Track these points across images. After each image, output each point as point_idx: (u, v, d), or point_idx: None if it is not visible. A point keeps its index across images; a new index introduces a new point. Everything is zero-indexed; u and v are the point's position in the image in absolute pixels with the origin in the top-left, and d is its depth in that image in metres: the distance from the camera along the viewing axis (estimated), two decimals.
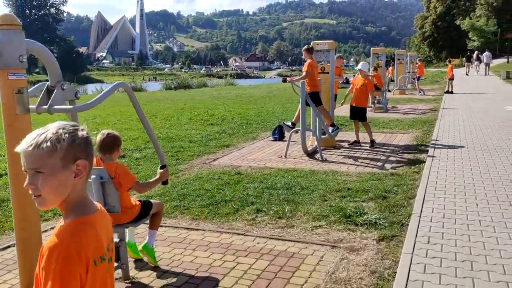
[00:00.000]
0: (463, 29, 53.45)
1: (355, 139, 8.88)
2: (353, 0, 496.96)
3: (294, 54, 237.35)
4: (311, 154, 7.92)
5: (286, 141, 9.39)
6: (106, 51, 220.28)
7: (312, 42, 8.72)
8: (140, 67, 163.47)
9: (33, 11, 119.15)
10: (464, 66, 37.06)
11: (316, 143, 8.34)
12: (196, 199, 5.42)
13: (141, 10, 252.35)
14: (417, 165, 6.77)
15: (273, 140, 9.53)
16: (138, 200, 3.56)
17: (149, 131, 3.42)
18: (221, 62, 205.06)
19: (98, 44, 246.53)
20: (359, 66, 9.09)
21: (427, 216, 4.36)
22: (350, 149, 8.41)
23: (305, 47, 8.23)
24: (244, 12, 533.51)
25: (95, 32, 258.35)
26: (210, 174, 6.65)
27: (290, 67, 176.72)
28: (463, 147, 7.94)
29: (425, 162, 6.90)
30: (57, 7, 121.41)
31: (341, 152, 8.17)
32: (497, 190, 5.21)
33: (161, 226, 4.55)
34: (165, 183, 3.66)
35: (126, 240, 3.58)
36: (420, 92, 20.14)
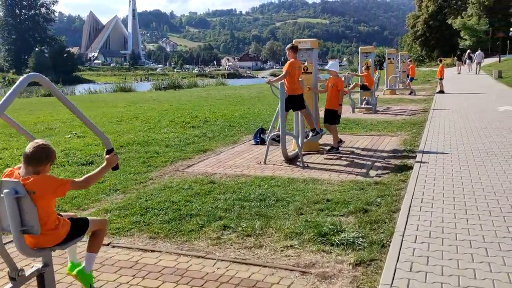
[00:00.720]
0: (455, 28, 53.28)
1: (338, 139, 8.39)
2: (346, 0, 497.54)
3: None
4: (292, 160, 7.43)
5: (274, 144, 8.92)
6: (98, 51, 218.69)
7: (294, 40, 8.23)
8: (132, 67, 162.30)
9: (23, 10, 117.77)
10: (455, 65, 37.04)
11: (297, 148, 7.86)
12: (159, 213, 4.91)
13: (133, 10, 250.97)
14: (403, 172, 6.29)
15: (254, 144, 9.04)
16: (69, 218, 3.03)
17: (81, 116, 3.08)
18: (214, 62, 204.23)
19: (90, 44, 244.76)
20: (328, 66, 8.46)
21: (411, 235, 3.87)
22: (334, 154, 7.92)
23: (289, 45, 7.73)
24: (237, 12, 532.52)
25: (87, 32, 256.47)
26: (180, 183, 6.14)
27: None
28: (453, 151, 7.48)
29: (412, 168, 6.43)
30: (48, 7, 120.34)
31: (324, 157, 7.68)
32: (489, 203, 4.73)
33: (114, 246, 4.04)
34: (115, 168, 3.22)
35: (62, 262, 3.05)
36: (411, 92, 19.75)
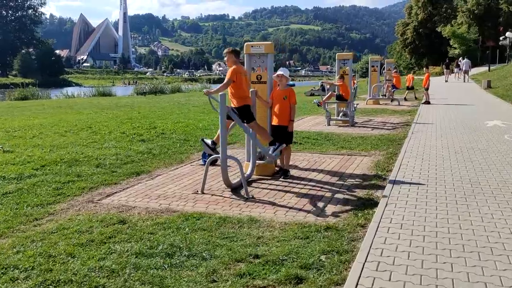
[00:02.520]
0: (444, 36, 52.47)
1: (282, 166, 7.05)
2: (338, 7, 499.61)
3: (278, 60, 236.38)
4: (237, 188, 6.10)
5: (218, 165, 7.62)
6: (87, 54, 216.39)
7: (246, 43, 6.93)
8: (121, 70, 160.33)
9: (10, 12, 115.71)
10: (443, 73, 36.51)
11: (250, 170, 6.54)
12: (19, 276, 3.56)
13: (124, 13, 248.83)
14: (365, 211, 5.00)
15: (202, 165, 7.70)
16: None
17: None
18: (205, 66, 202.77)
19: (80, 47, 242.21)
20: (279, 72, 6.76)
21: None
22: (290, 181, 6.61)
23: (228, 48, 6.43)
24: (230, 17, 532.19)
25: (77, 34, 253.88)
26: (82, 222, 4.79)
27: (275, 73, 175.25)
28: (430, 182, 6.19)
29: (377, 206, 5.13)
30: (35, 8, 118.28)
31: (277, 185, 6.36)
32: (470, 273, 3.42)
33: None
34: None
35: None
36: (393, 100, 18.68)
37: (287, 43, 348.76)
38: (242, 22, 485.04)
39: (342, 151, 8.85)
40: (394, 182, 6.06)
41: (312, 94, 27.84)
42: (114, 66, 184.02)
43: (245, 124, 6.38)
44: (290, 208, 5.28)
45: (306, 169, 7.32)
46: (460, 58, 37.04)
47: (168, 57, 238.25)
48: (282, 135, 6.76)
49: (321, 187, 6.19)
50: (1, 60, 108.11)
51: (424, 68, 19.86)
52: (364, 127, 12.24)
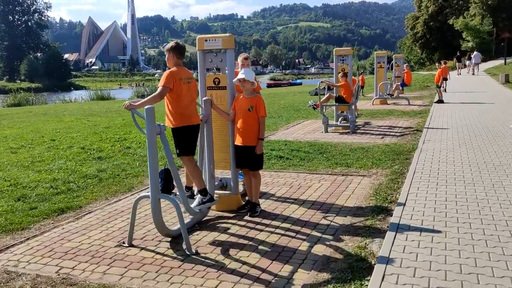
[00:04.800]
0: (456, 29, 50.13)
1: (250, 199, 5.32)
2: (347, 3, 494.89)
3: (288, 58, 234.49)
4: (179, 236, 4.41)
5: (175, 193, 5.98)
6: (95, 56, 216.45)
7: (198, 36, 5.23)
8: (130, 72, 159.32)
9: (17, 16, 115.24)
10: (456, 68, 34.85)
11: (179, 220, 4.86)
12: None
13: (132, 15, 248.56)
14: (352, 285, 3.28)
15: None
16: None
17: None
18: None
19: (89, 50, 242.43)
20: (240, 76, 5.00)
21: None
22: (258, 220, 4.90)
23: (170, 44, 4.73)
24: (239, 17, 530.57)
25: (85, 38, 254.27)
26: None
27: (284, 71, 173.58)
28: (449, 225, 4.44)
29: (370, 275, 3.41)
30: (41, 12, 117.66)
31: (238, 228, 4.66)
32: None
33: None
34: None
35: None
36: (391, 95, 16.98)
37: (296, 41, 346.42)
38: (251, 21, 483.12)
39: (337, 169, 7.11)
40: (397, 226, 4.30)
41: (316, 93, 26.03)
42: (123, 69, 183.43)
43: (177, 153, 4.73)
44: (243, 275, 3.58)
45: (284, 199, 5.61)
46: (470, 52, 35.22)
47: None
48: (249, 159, 5.06)
49: (297, 232, 4.47)
50: (9, 65, 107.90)
51: (437, 63, 17.95)
52: (367, 133, 10.46)
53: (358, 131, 10.91)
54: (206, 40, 5.14)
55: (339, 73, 11.34)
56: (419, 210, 4.72)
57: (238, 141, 5.07)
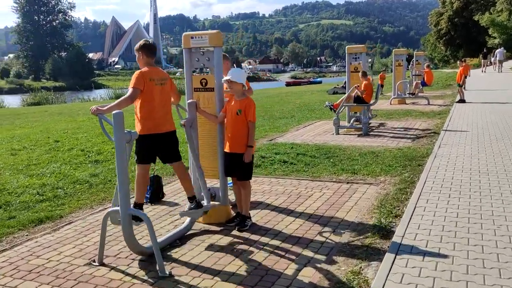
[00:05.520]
0: (482, 25, 48.55)
1: (241, 212, 4.84)
2: (371, 0, 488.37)
3: (309, 56, 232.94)
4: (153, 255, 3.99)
5: (164, 203, 5.68)
6: (118, 56, 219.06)
7: (184, 33, 4.80)
8: None
9: (41, 16, 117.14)
10: (481, 65, 33.73)
11: (187, 222, 4.46)
12: None
13: (155, 15, 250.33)
14: None
15: (144, 202, 5.64)
16: None
17: None
18: (234, 65, 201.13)
19: (112, 49, 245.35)
20: (228, 77, 4.53)
21: None
22: (246, 236, 4.45)
23: (140, 43, 4.33)
24: (260, 15, 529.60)
25: (109, 37, 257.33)
26: None
27: (305, 69, 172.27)
28: (457, 249, 3.91)
29: None
30: (65, 13, 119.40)
31: (223, 245, 4.22)
32: None
33: None
34: None
35: None
36: (412, 94, 16.28)
37: (318, 39, 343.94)
38: (273, 20, 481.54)
39: (342, 175, 6.60)
40: (398, 247, 3.78)
41: (335, 92, 25.34)
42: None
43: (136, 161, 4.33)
44: None
45: (280, 211, 5.14)
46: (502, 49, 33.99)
47: None
48: (237, 168, 4.61)
49: (287, 251, 4.00)
50: (34, 64, 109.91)
51: (458, 61, 17.13)
52: (380, 135, 9.89)
53: (371, 133, 10.34)
54: (192, 37, 4.71)
55: (351, 72, 10.79)
56: (425, 228, 4.18)
57: (226, 148, 4.64)
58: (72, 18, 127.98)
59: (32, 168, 7.68)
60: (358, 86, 10.39)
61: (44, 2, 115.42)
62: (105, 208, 5.51)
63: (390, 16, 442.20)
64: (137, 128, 4.21)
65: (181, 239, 4.41)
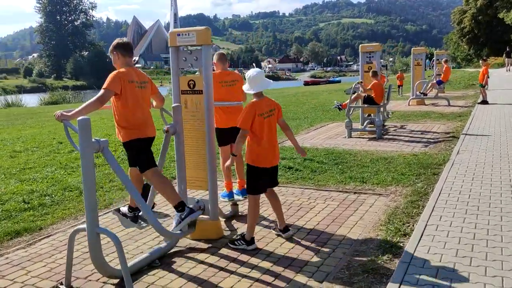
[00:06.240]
0: (507, 23, 47.00)
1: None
2: None
3: (329, 55, 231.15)
4: (133, 274, 3.57)
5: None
6: (139, 55, 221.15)
7: (171, 30, 4.38)
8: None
9: (63, 16, 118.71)
10: (505, 64, 32.61)
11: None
12: None
13: (175, 14, 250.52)
14: None
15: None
16: None
17: None
18: (253, 64, 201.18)
19: (133, 49, 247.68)
20: (249, 84, 4.08)
21: None
22: (236, 255, 4.00)
23: (114, 43, 3.92)
24: (281, 14, 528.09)
25: (130, 37, 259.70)
26: None
27: (325, 68, 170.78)
28: (468, 271, 3.38)
29: None
30: (86, 12, 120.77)
31: (207, 266, 3.77)
32: None
33: None
34: None
35: None
36: (425, 95, 15.57)
37: (339, 38, 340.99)
38: (293, 18, 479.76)
39: (349, 184, 6.09)
40: (403, 278, 3.26)
41: (354, 92, 24.67)
42: (165, 66, 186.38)
43: (139, 170, 3.90)
44: None
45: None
46: None
47: None
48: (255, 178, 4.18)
49: (277, 276, 3.53)
50: (56, 63, 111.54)
51: (481, 61, 16.33)
52: (395, 139, 9.31)
53: (386, 136, 9.77)
54: (178, 35, 4.27)
55: (365, 71, 10.23)
56: (436, 252, 3.65)
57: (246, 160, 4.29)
58: (94, 18, 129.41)
59: (25, 172, 7.37)
60: (361, 82, 9.94)
61: (66, 2, 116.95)
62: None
63: (413, 15, 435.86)
64: (120, 136, 3.81)
65: (162, 258, 3.97)
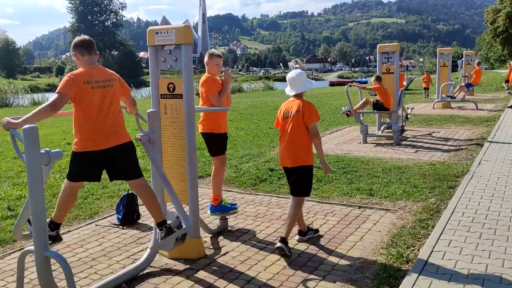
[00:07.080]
0: None
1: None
2: None
3: (358, 55, 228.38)
4: None
5: (138, 226, 4.95)
6: None
7: (148, 28, 3.98)
8: (198, 70, 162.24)
9: (94, 16, 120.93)
10: None
11: (146, 255, 3.65)
12: None
13: (203, 14, 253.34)
14: None
15: (116, 225, 4.90)
16: None
17: None
18: (281, 64, 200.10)
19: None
20: (290, 85, 4.23)
21: None
22: (208, 283, 3.56)
23: (72, 44, 3.52)
24: (309, 13, 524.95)
25: None
26: None
27: (353, 69, 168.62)
28: None
29: None
30: (116, 12, 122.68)
31: None
32: None
33: None
34: None
35: None
36: (452, 98, 14.78)
37: (368, 38, 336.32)
38: (321, 18, 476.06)
39: (356, 197, 5.58)
40: None
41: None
42: (193, 66, 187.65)
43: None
44: None
45: (266, 243, 4.22)
46: None
47: (245, 56, 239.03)
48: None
49: None
50: None
51: (510, 61, 15.42)
52: (414, 145, 8.70)
53: (405, 142, 9.17)
54: (157, 33, 3.88)
55: (383, 73, 9.63)
56: (441, 285, 3.12)
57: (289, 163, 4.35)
58: (124, 18, 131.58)
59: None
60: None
61: (97, 2, 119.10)
62: (69, 231, 4.79)
63: (445, 14, 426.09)
64: (73, 143, 3.43)
65: (130, 281, 3.58)
